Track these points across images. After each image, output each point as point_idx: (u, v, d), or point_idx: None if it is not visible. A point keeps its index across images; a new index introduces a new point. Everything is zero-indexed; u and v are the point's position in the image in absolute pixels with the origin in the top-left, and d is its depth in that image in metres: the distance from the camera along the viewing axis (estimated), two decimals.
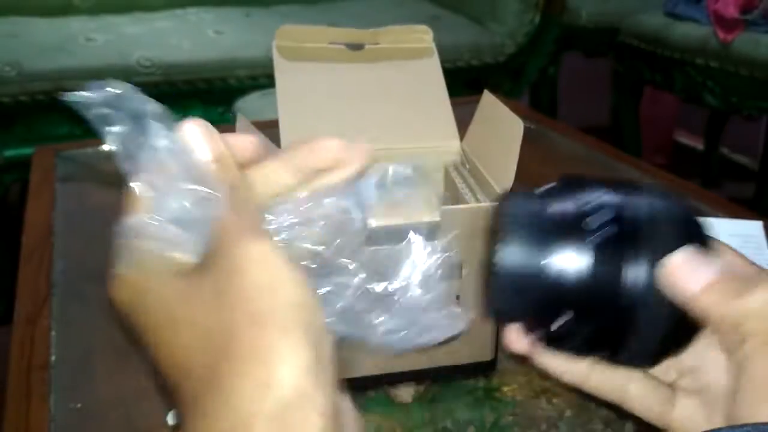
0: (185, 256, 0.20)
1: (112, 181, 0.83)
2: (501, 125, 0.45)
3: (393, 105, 0.51)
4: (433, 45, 0.54)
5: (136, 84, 0.21)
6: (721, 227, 0.56)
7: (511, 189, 0.25)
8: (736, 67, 1.32)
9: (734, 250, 0.26)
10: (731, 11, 1.29)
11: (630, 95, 1.67)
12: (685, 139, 2.10)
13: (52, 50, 1.24)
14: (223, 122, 1.28)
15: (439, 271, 0.25)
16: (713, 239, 0.25)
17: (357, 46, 0.52)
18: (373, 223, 0.40)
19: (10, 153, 1.18)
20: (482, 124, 0.49)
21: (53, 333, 0.49)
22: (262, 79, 1.29)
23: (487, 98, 0.49)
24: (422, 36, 0.53)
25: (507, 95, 1.49)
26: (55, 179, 0.73)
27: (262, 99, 1.13)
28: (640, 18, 1.58)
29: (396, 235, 0.42)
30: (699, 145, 1.97)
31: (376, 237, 0.40)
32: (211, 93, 1.29)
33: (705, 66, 1.39)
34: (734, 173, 1.91)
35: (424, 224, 0.40)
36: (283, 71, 0.50)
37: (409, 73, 0.52)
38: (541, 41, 1.54)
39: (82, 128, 1.42)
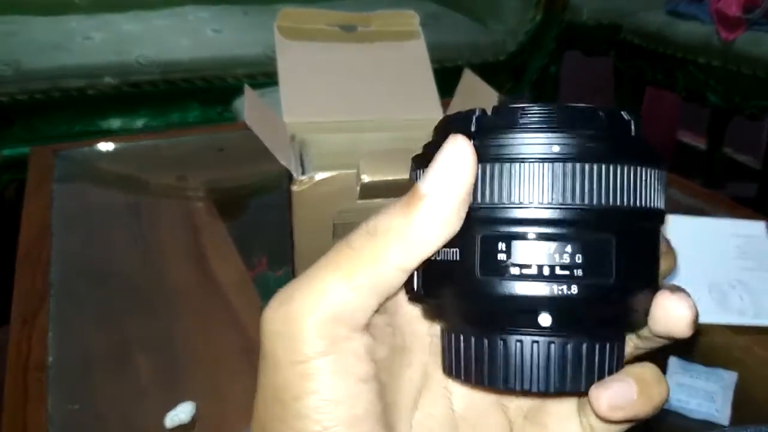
0: None
1: (110, 180, 0.83)
2: (478, 96, 0.52)
3: (382, 81, 0.58)
4: (419, 28, 0.60)
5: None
6: (723, 227, 0.56)
7: None
8: (739, 66, 1.32)
9: None
10: (734, 10, 1.28)
11: (632, 94, 1.67)
12: (687, 138, 2.10)
13: (51, 49, 1.23)
14: (222, 121, 1.29)
15: None
16: None
17: (351, 28, 0.59)
18: (366, 178, 0.45)
19: (7, 152, 1.18)
20: (462, 97, 0.56)
21: (51, 333, 0.48)
22: (260, 77, 1.28)
23: (467, 74, 0.56)
24: (410, 20, 0.60)
25: (508, 94, 1.48)
26: (52, 178, 0.73)
27: (262, 98, 1.13)
28: (642, 16, 1.57)
29: (386, 189, 0.45)
30: (701, 144, 1.96)
31: (368, 191, 0.44)
32: (210, 92, 1.29)
33: (707, 65, 1.39)
34: (737, 173, 1.90)
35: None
36: (283, 49, 0.56)
37: (397, 53, 0.59)
38: (542, 39, 1.53)
39: (80, 127, 1.42)
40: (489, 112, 0.20)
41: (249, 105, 0.49)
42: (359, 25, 0.59)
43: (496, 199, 0.18)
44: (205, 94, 1.29)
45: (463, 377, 0.20)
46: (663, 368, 0.42)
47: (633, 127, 0.19)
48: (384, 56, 0.59)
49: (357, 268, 0.19)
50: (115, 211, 0.68)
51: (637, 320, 0.20)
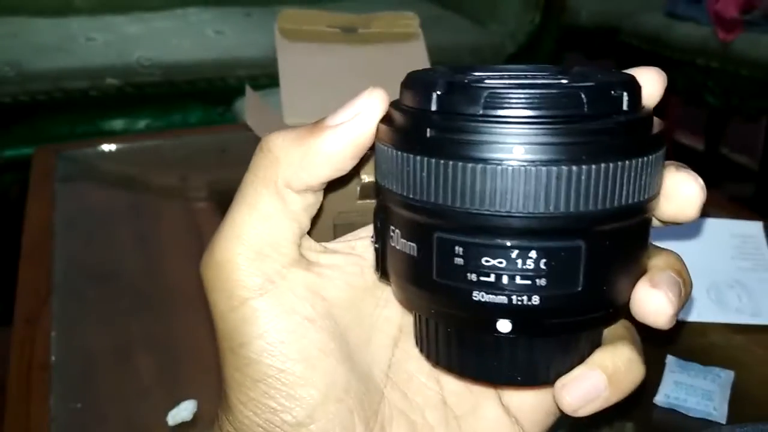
0: None
1: (112, 181, 0.83)
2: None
3: (383, 82, 0.58)
4: (419, 30, 0.60)
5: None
6: (721, 227, 0.56)
7: None
8: (737, 67, 1.32)
9: None
10: (732, 11, 1.29)
11: None
12: (685, 139, 2.10)
13: (52, 50, 1.24)
14: (224, 122, 1.29)
15: None
16: None
17: (351, 30, 0.59)
18: (366, 178, 0.45)
19: (10, 153, 1.18)
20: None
21: (53, 333, 0.48)
22: (262, 79, 1.29)
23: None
24: (410, 22, 0.60)
25: None
26: (55, 179, 0.73)
27: (263, 99, 1.13)
28: (641, 18, 1.58)
29: None
30: (699, 145, 1.96)
31: (368, 191, 0.46)
32: (211, 93, 1.29)
33: (705, 66, 1.39)
34: (734, 173, 1.90)
35: None
36: (284, 50, 0.56)
37: (397, 55, 0.59)
38: (541, 42, 1.54)
39: (82, 128, 1.43)
40: (448, 86, 0.17)
41: (250, 106, 0.49)
42: (360, 27, 0.59)
43: (451, 202, 0.17)
44: (207, 95, 1.29)
45: (429, 360, 0.20)
46: (660, 367, 0.43)
47: (625, 101, 0.17)
48: (384, 58, 0.59)
49: (259, 194, 0.19)
50: (117, 212, 0.68)
51: (613, 319, 0.19)
